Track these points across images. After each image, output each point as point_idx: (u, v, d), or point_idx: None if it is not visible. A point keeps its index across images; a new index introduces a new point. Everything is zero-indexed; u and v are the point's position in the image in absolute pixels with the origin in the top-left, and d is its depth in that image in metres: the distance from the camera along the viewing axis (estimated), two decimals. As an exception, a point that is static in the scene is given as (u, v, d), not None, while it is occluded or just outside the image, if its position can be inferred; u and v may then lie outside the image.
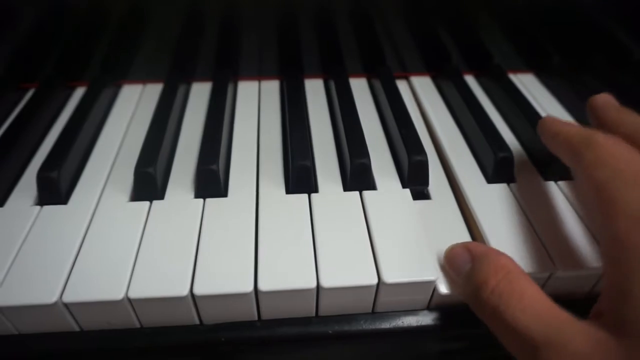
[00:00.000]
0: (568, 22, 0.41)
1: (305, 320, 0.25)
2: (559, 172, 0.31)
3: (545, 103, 0.40)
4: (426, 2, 0.39)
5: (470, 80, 0.42)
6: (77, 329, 0.25)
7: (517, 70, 0.43)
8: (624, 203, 0.20)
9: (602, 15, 0.41)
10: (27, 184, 0.30)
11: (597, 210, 0.21)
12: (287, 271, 0.24)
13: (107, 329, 0.25)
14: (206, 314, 0.25)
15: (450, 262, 0.25)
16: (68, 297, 0.23)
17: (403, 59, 0.42)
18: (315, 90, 0.40)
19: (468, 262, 0.24)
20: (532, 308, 0.20)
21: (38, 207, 0.28)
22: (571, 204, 0.29)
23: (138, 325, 0.25)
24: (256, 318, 0.25)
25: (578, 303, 0.21)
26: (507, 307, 0.20)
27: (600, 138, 0.23)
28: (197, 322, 0.25)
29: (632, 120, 0.26)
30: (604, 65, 0.42)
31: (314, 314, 0.25)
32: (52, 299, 0.23)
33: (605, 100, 0.29)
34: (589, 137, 0.23)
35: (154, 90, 0.39)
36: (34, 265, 0.24)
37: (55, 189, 0.28)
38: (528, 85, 0.42)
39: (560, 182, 0.31)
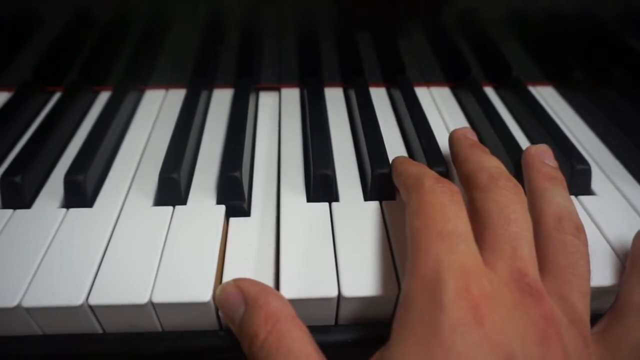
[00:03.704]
0: (588, 35, 0.41)
1: (324, 329, 0.25)
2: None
3: (565, 116, 0.40)
4: (445, 14, 0.39)
5: (490, 91, 0.42)
6: (100, 331, 0.25)
7: (536, 82, 0.43)
8: (423, 263, 0.19)
9: (622, 28, 0.41)
10: (54, 187, 0.31)
11: (409, 256, 0.21)
12: (309, 280, 0.24)
13: (129, 332, 0.25)
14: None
15: (224, 307, 0.22)
16: (94, 300, 0.23)
17: (423, 69, 0.42)
18: (335, 99, 0.41)
19: (241, 304, 0.22)
20: None
21: (64, 210, 0.29)
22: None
23: (160, 329, 0.25)
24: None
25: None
26: None
27: (428, 183, 0.23)
28: (218, 327, 0.25)
29: (477, 159, 0.25)
30: (624, 78, 0.42)
31: (333, 323, 0.26)
32: (79, 301, 0.23)
33: (461, 135, 0.29)
34: (418, 180, 0.23)
35: (176, 96, 0.40)
36: (60, 267, 0.25)
37: (81, 192, 0.29)
38: (547, 97, 0.42)
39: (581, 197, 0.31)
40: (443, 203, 0.21)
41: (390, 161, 0.29)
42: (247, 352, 0.20)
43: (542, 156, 0.28)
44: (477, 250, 0.20)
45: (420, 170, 0.25)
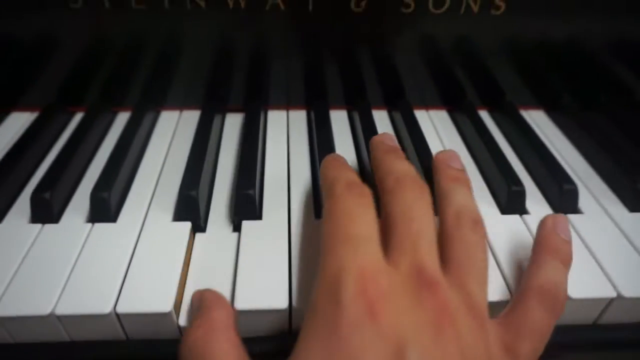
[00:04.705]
0: (577, 63, 0.44)
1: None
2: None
3: (554, 138, 0.42)
4: (443, 43, 0.42)
5: (484, 115, 0.45)
6: (123, 337, 0.27)
7: (528, 106, 0.46)
8: (327, 266, 0.21)
9: (609, 56, 0.43)
10: (79, 203, 0.33)
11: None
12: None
13: (153, 339, 0.27)
14: (244, 328, 0.27)
15: (192, 307, 0.25)
16: (121, 308, 0.25)
17: (422, 93, 0.45)
18: (340, 121, 0.43)
19: (197, 308, 0.24)
20: None
21: (90, 225, 0.31)
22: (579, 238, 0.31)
23: (179, 336, 0.27)
24: (287, 331, 0.27)
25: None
26: None
27: (338, 189, 0.24)
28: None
29: (388, 164, 0.27)
30: (611, 104, 0.45)
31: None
32: (107, 309, 0.25)
33: (378, 140, 0.30)
34: (331, 186, 0.25)
35: (190, 116, 0.43)
36: (89, 278, 0.27)
37: (106, 208, 0.31)
38: (538, 121, 0.45)
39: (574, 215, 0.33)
40: (350, 208, 0.23)
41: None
42: (179, 355, 0.22)
43: (449, 160, 0.29)
44: (379, 250, 0.22)
45: (335, 175, 0.26)
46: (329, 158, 0.29)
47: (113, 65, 0.42)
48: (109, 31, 0.39)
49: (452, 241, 0.24)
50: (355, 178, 0.26)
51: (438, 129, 0.43)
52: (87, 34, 0.39)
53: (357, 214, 0.23)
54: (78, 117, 0.43)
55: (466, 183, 0.27)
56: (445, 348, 0.19)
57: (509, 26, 0.41)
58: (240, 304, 0.26)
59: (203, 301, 0.24)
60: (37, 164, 0.37)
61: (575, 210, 0.34)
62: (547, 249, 0.26)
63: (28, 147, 0.36)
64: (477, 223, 0.25)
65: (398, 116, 0.43)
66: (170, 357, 0.27)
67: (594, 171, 0.38)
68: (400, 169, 0.26)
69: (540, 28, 0.41)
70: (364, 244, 0.21)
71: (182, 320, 0.26)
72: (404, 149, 0.39)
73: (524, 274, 0.26)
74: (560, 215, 0.28)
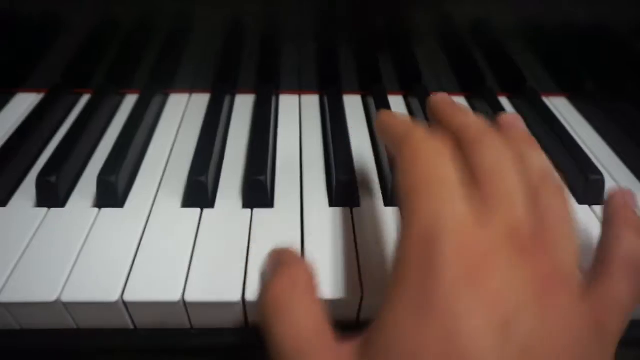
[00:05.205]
0: (602, 48, 0.42)
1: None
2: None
3: (577, 126, 0.41)
4: (461, 25, 0.40)
5: (504, 101, 0.43)
6: (131, 326, 0.26)
7: (550, 93, 0.44)
8: (416, 217, 0.18)
9: (635, 41, 0.42)
10: (86, 187, 0.32)
11: (403, 215, 0.19)
12: (336, 280, 0.25)
13: (159, 328, 0.26)
14: (254, 318, 0.26)
15: (268, 264, 0.25)
16: (129, 296, 0.25)
17: (439, 79, 0.43)
18: (353, 106, 0.42)
19: (275, 265, 0.23)
20: (298, 329, 0.19)
21: (97, 210, 0.30)
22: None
23: (188, 326, 0.26)
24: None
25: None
26: (277, 322, 0.19)
27: (418, 134, 0.21)
28: (244, 325, 0.26)
29: (464, 117, 0.24)
30: (637, 90, 0.43)
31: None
32: (114, 297, 0.24)
33: (441, 97, 0.27)
34: (407, 133, 0.22)
35: (200, 99, 0.41)
36: (96, 265, 0.26)
37: (113, 193, 0.30)
38: (560, 108, 0.43)
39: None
40: (436, 150, 0.21)
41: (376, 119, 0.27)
42: (258, 310, 0.21)
43: (515, 121, 0.26)
44: (472, 204, 0.19)
45: (407, 125, 0.23)
46: (384, 112, 0.26)
47: (121, 46, 0.40)
48: (117, 10, 0.38)
49: (537, 204, 0.21)
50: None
51: (456, 116, 0.41)
52: (95, 13, 0.38)
53: (445, 155, 0.20)
54: (85, 99, 0.42)
55: (538, 146, 0.24)
56: (552, 320, 0.17)
57: (531, 7, 0.39)
58: (252, 296, 0.25)
59: (281, 257, 0.23)
60: (43, 146, 0.36)
61: (600, 201, 0.32)
62: (623, 222, 0.23)
63: (34, 128, 0.36)
64: (560, 190, 0.22)
65: (415, 102, 0.41)
66: (180, 347, 0.27)
67: (620, 161, 0.36)
68: (477, 121, 0.23)
69: (564, 9, 0.39)
70: (457, 196, 0.19)
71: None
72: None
73: (598, 247, 0.23)
74: (627, 189, 0.26)
